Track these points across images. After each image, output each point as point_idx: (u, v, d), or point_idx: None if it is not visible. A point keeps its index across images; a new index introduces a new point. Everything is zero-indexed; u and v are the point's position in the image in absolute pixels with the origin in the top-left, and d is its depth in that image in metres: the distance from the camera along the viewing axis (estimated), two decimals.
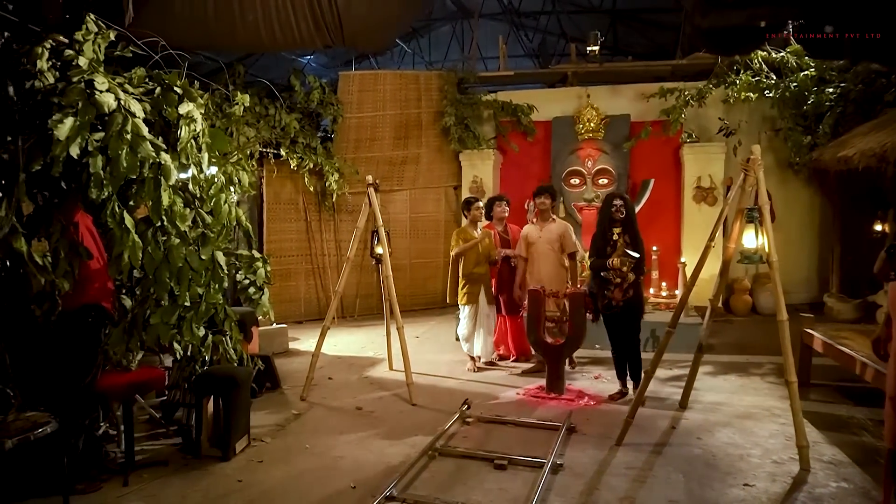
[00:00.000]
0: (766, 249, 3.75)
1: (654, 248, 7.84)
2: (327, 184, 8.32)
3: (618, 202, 4.80)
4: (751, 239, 4.10)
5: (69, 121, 2.55)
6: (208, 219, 3.34)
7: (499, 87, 9.92)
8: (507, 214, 6.20)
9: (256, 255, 3.91)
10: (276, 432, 4.32)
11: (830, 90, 7.61)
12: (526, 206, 8.02)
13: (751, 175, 3.81)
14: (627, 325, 4.84)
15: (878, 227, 7.00)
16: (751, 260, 4.08)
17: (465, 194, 9.07)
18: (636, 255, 4.66)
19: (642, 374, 4.39)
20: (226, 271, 3.49)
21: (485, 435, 4.21)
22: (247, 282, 3.84)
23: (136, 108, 2.85)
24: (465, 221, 6.19)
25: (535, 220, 5.78)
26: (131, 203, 3.03)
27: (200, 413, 3.87)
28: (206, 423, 3.90)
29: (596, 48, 8.46)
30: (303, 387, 5.13)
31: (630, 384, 4.96)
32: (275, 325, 7.04)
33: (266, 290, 3.93)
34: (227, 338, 4.28)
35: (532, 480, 3.42)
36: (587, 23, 11.96)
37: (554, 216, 5.79)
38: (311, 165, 8.12)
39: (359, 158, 8.82)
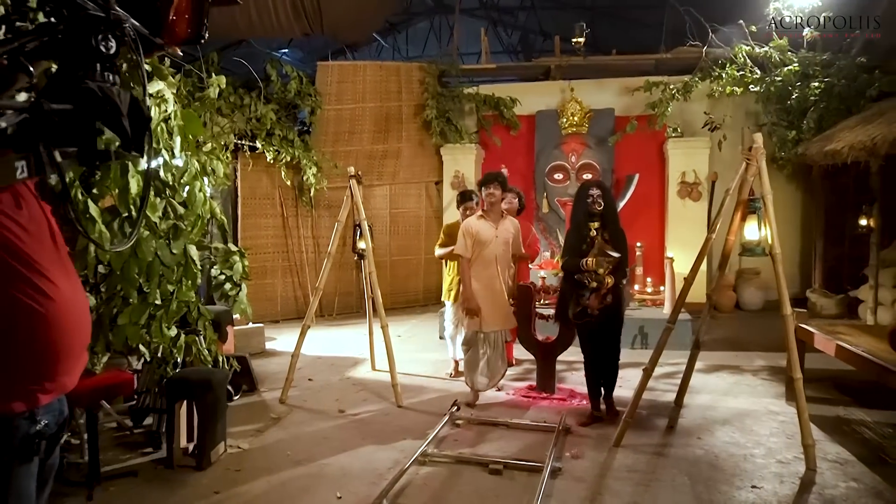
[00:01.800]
0: (770, 241, 3.62)
1: (639, 244, 7.74)
2: (305, 178, 8.03)
3: (594, 192, 4.07)
4: (753, 231, 3.96)
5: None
6: (181, 209, 3.06)
7: (481, 81, 9.73)
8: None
9: (233, 248, 3.65)
10: (254, 438, 4.05)
11: (815, 84, 7.59)
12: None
13: (753, 164, 3.67)
14: (605, 337, 4.18)
15: (864, 222, 6.99)
16: (753, 252, 3.95)
17: (447, 190, 8.89)
18: (616, 254, 3.97)
19: (644, 380, 4.14)
20: (199, 266, 3.22)
21: (477, 438, 4.00)
22: (222, 277, 3.57)
23: None
24: (457, 215, 5.61)
25: (482, 213, 4.72)
26: (95, 191, 2.74)
27: (173, 419, 3.59)
28: (179, 429, 3.62)
29: (581, 40, 8.33)
30: (282, 389, 4.86)
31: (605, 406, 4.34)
32: (251, 324, 6.76)
33: (244, 286, 3.67)
34: (201, 338, 4.00)
35: (529, 485, 3.23)
36: (567, 20, 11.85)
37: (504, 211, 4.88)
38: (289, 159, 7.81)
39: (337, 152, 8.54)
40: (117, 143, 1.37)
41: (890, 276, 6.91)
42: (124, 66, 2.91)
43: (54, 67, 1.35)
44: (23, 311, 1.47)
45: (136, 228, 1.69)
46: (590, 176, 8.35)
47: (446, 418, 4.19)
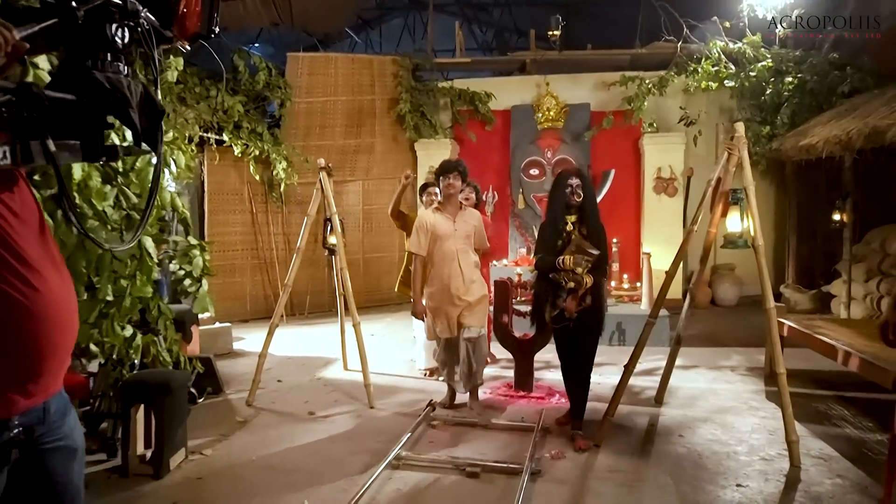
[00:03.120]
0: (752, 233, 3.53)
1: (615, 240, 7.66)
2: (274, 173, 7.77)
3: (573, 181, 3.64)
4: (735, 222, 3.86)
5: None
6: (134, 198, 2.83)
7: (455, 76, 9.59)
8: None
9: (193, 241, 3.41)
10: (218, 443, 3.83)
11: (789, 80, 7.60)
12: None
13: (735, 154, 3.59)
14: (580, 342, 3.71)
15: (837, 217, 7.02)
16: (735, 245, 3.86)
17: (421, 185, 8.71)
18: (595, 251, 3.53)
19: (625, 377, 3.98)
20: (155, 260, 2.99)
21: (453, 439, 3.84)
22: (182, 273, 3.34)
23: (39, 56, 2.33)
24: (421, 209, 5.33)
25: (438, 206, 4.34)
26: (37, 177, 2.51)
27: (128, 425, 3.36)
28: (136, 436, 3.39)
29: (557, 33, 8.23)
30: (248, 391, 4.64)
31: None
32: (218, 323, 6.51)
33: (205, 282, 3.44)
34: (161, 338, 3.77)
35: (508, 488, 3.09)
36: (542, 17, 11.77)
37: (463, 202, 4.44)
38: (257, 153, 7.54)
39: (308, 146, 8.28)
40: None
41: (861, 272, 6.95)
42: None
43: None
44: (7, 303, 1.34)
45: (140, 226, 1.57)
46: None
47: (420, 419, 4.03)
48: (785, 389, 3.38)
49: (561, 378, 4.00)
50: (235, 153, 7.41)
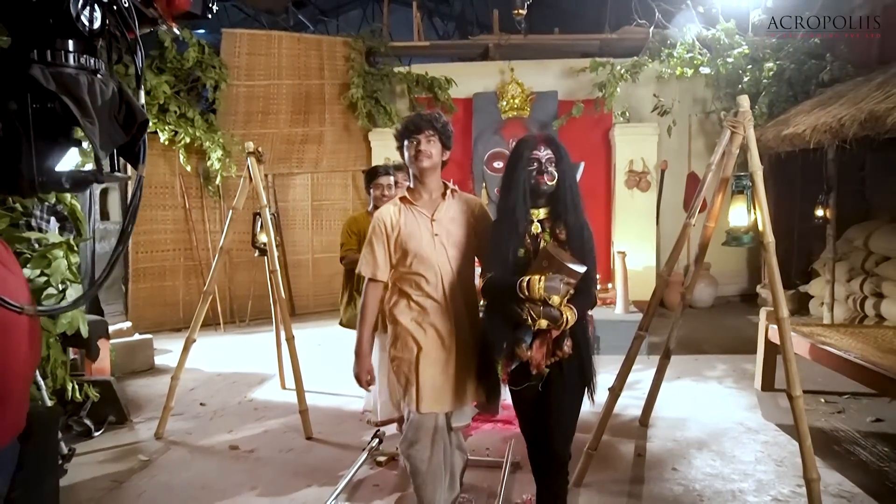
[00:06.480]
0: (760, 228, 2.95)
1: None
2: (209, 163, 6.93)
3: (542, 153, 2.22)
4: (741, 215, 3.28)
5: None
6: None
7: (413, 63, 8.89)
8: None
9: (55, 238, 2.62)
10: (105, 495, 3.04)
11: (769, 65, 7.15)
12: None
13: (739, 133, 2.99)
14: (555, 410, 2.25)
15: (819, 213, 6.59)
16: (740, 241, 3.28)
17: None
18: (580, 268, 2.06)
19: (611, 401, 2.91)
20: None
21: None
22: (41, 280, 2.56)
23: None
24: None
25: (406, 194, 2.47)
26: None
27: None
28: None
29: (523, 12, 7.61)
30: (159, 420, 3.86)
31: None
32: (138, 335, 5.67)
33: (71, 290, 2.66)
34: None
35: None
36: (505, 10, 11.18)
37: (454, 186, 2.53)
38: (188, 140, 6.70)
39: (249, 135, 7.42)
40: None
41: (843, 271, 6.55)
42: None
43: None
44: None
45: (115, 257, 1.20)
46: None
47: (364, 455, 3.32)
48: (802, 417, 2.79)
49: None
50: (161, 140, 6.54)
